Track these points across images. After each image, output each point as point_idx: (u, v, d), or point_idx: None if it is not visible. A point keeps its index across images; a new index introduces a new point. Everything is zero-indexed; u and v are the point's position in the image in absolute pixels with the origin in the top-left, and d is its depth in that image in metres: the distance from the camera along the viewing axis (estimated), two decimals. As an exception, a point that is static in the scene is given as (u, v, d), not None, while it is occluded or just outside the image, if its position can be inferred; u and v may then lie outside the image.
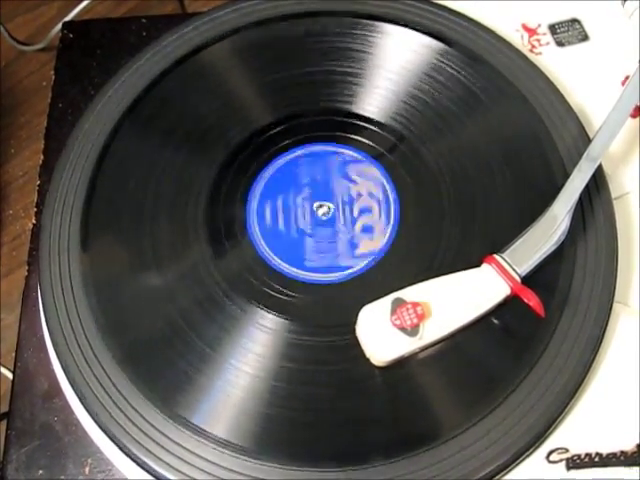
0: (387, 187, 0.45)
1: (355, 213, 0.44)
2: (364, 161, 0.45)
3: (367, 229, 0.43)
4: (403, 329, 0.37)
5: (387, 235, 0.43)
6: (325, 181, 0.45)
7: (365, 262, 0.42)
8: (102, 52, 0.53)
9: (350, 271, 0.42)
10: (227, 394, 0.38)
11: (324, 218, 0.44)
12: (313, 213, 0.44)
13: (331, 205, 0.44)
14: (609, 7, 0.51)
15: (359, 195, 0.45)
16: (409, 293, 0.39)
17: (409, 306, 0.38)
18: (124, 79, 0.47)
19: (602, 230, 0.42)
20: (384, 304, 0.38)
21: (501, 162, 0.44)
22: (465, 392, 0.38)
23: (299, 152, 0.46)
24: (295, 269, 0.42)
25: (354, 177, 0.45)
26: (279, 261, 0.43)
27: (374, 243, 0.43)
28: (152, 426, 0.37)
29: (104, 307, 0.40)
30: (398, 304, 0.38)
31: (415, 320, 0.37)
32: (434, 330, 0.38)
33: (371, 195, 0.44)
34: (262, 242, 0.43)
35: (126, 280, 0.41)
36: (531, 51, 0.50)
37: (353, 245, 0.43)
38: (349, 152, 0.46)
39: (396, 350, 0.38)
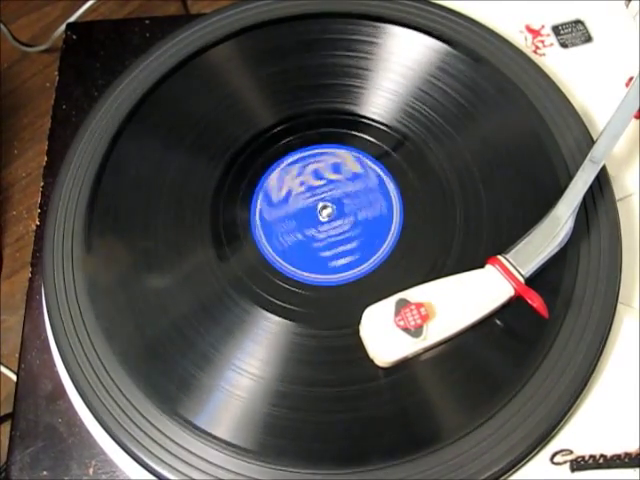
0: (392, 189, 0.45)
1: (359, 216, 0.44)
2: (373, 167, 0.45)
3: (369, 232, 0.43)
4: (407, 330, 0.37)
5: (391, 236, 0.43)
6: (331, 183, 0.45)
7: (369, 264, 0.42)
8: (105, 53, 0.53)
9: (354, 272, 0.42)
10: (230, 396, 0.38)
11: (327, 219, 0.44)
12: (317, 214, 0.44)
13: (334, 207, 0.44)
14: (613, 8, 0.51)
15: (363, 198, 0.45)
16: (413, 294, 0.39)
17: (413, 307, 0.38)
18: (128, 80, 0.47)
19: (606, 231, 0.41)
20: (388, 305, 0.38)
21: (505, 163, 0.44)
22: (469, 394, 0.38)
23: (303, 153, 0.46)
24: (299, 271, 0.42)
25: (361, 182, 0.45)
26: (283, 263, 0.43)
27: (377, 247, 0.43)
28: (155, 428, 0.37)
29: (108, 309, 0.40)
30: (402, 305, 0.38)
31: (419, 321, 0.37)
32: (438, 331, 0.38)
33: (375, 199, 0.44)
34: (265, 243, 0.43)
35: (129, 281, 0.41)
36: (535, 52, 0.49)
37: (350, 250, 0.43)
38: (358, 155, 0.46)
39: (400, 351, 0.38)
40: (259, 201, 0.45)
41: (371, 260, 0.43)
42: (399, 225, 0.44)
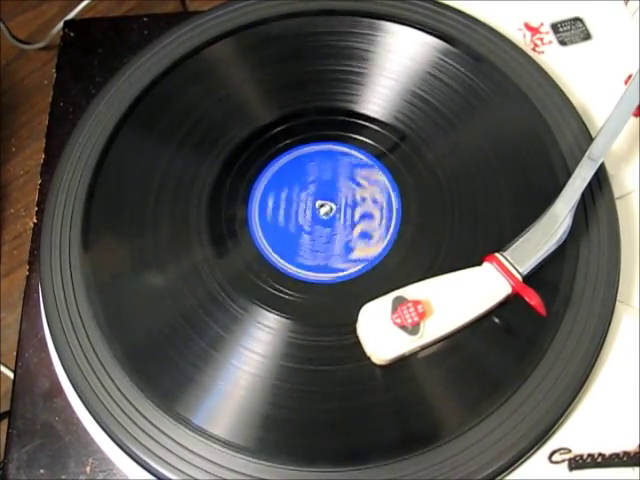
0: (390, 187, 0.45)
1: (356, 217, 0.44)
2: (372, 165, 0.45)
3: (365, 234, 0.43)
4: (404, 327, 0.37)
5: (389, 235, 0.43)
6: (331, 181, 0.45)
7: (367, 262, 0.42)
8: (103, 51, 0.53)
9: (352, 270, 0.42)
10: (228, 394, 0.38)
11: (325, 217, 0.44)
12: (315, 211, 0.44)
13: (333, 205, 0.44)
14: (612, 6, 0.51)
15: (363, 199, 0.44)
16: (410, 291, 0.38)
17: (410, 304, 0.38)
18: (125, 78, 0.47)
19: (604, 229, 0.41)
20: (385, 302, 0.38)
21: (503, 161, 0.44)
22: (468, 392, 0.38)
23: (302, 150, 0.46)
24: (296, 269, 0.42)
25: (361, 181, 0.45)
26: (281, 261, 0.42)
27: (374, 244, 0.43)
28: (153, 425, 0.37)
29: (105, 307, 0.40)
30: (399, 302, 0.38)
31: (416, 318, 0.37)
32: (435, 329, 0.38)
33: (375, 201, 0.44)
34: (264, 242, 0.43)
35: (127, 279, 0.41)
36: (534, 50, 0.49)
37: (348, 248, 0.43)
38: (357, 154, 0.46)
39: (397, 348, 0.38)
40: (258, 195, 0.44)
41: (370, 258, 0.42)
42: (397, 223, 0.43)
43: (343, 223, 0.44)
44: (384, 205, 0.44)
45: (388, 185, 0.44)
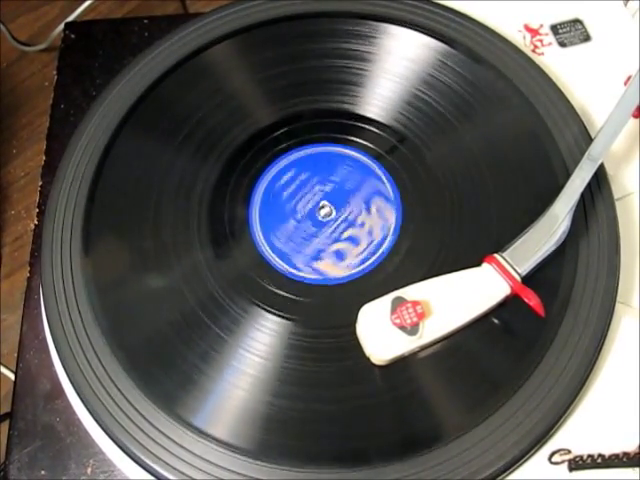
0: (389, 187, 0.45)
1: (344, 235, 0.44)
2: (392, 203, 0.44)
3: (340, 253, 0.43)
4: (403, 328, 0.37)
5: (389, 236, 0.43)
6: (349, 192, 0.45)
7: (368, 263, 0.42)
8: (104, 53, 0.53)
9: (353, 271, 0.42)
10: (229, 395, 0.38)
11: (320, 218, 0.44)
12: (315, 207, 0.44)
13: (335, 212, 0.44)
14: (611, 7, 0.51)
15: (361, 225, 0.44)
16: (409, 292, 0.39)
17: (409, 305, 0.38)
18: (126, 80, 0.47)
19: (604, 230, 0.41)
20: (384, 303, 0.38)
21: (503, 162, 0.44)
22: (468, 393, 0.38)
23: (301, 153, 0.46)
24: (296, 271, 0.42)
25: (372, 208, 0.44)
26: (281, 262, 0.43)
27: (341, 267, 0.43)
28: (154, 427, 0.37)
29: (106, 308, 0.40)
30: (398, 303, 0.38)
31: (415, 319, 0.37)
32: (434, 329, 0.38)
33: (370, 232, 0.44)
34: (264, 243, 0.43)
35: (128, 281, 0.41)
36: (533, 51, 0.49)
37: (317, 257, 0.43)
38: (385, 183, 0.45)
39: (396, 349, 0.38)
40: (261, 192, 0.45)
41: (370, 259, 0.43)
42: (397, 224, 0.44)
43: (330, 233, 0.44)
44: (374, 241, 0.43)
45: (391, 228, 0.44)
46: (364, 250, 0.43)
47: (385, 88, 0.47)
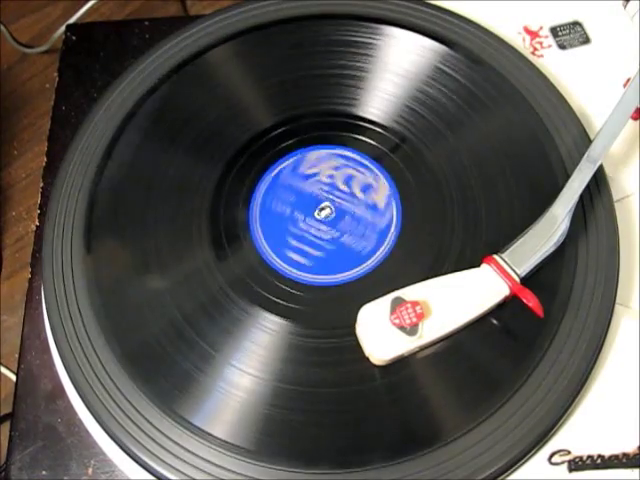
0: (388, 188, 0.45)
1: (344, 238, 0.44)
2: (389, 200, 0.45)
3: (339, 254, 0.43)
4: (402, 328, 0.37)
5: (389, 236, 0.43)
6: (348, 192, 0.45)
7: (368, 264, 0.43)
8: (105, 54, 0.53)
9: (353, 272, 0.42)
10: (229, 395, 0.38)
11: (326, 219, 0.44)
12: (314, 214, 0.44)
13: (332, 207, 0.44)
14: (611, 9, 0.51)
15: (360, 202, 0.45)
16: (409, 292, 0.39)
17: (408, 305, 0.38)
18: (127, 82, 0.47)
19: (603, 232, 0.42)
20: (384, 303, 0.38)
21: (503, 163, 0.44)
22: (467, 394, 0.38)
23: (301, 155, 0.46)
24: (296, 271, 0.42)
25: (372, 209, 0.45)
26: (281, 263, 0.43)
27: (373, 244, 0.43)
28: (154, 427, 0.37)
29: (107, 309, 0.40)
30: (398, 303, 0.38)
31: (414, 319, 0.37)
32: (433, 329, 0.38)
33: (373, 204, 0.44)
34: (264, 244, 0.43)
35: (129, 282, 0.42)
36: (533, 54, 0.50)
37: (346, 247, 0.43)
38: (355, 156, 0.46)
39: (395, 349, 0.38)
40: (259, 198, 0.45)
41: (370, 260, 0.43)
42: (397, 225, 0.44)
43: (330, 233, 0.44)
44: (374, 241, 0.43)
45: (391, 228, 0.44)
46: (364, 250, 0.43)
47: (385, 90, 0.47)
